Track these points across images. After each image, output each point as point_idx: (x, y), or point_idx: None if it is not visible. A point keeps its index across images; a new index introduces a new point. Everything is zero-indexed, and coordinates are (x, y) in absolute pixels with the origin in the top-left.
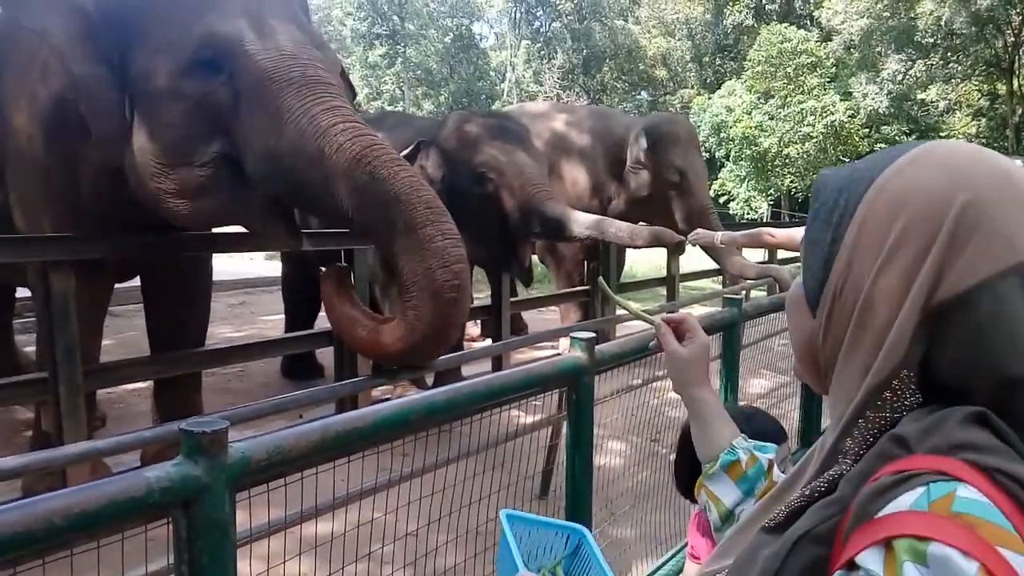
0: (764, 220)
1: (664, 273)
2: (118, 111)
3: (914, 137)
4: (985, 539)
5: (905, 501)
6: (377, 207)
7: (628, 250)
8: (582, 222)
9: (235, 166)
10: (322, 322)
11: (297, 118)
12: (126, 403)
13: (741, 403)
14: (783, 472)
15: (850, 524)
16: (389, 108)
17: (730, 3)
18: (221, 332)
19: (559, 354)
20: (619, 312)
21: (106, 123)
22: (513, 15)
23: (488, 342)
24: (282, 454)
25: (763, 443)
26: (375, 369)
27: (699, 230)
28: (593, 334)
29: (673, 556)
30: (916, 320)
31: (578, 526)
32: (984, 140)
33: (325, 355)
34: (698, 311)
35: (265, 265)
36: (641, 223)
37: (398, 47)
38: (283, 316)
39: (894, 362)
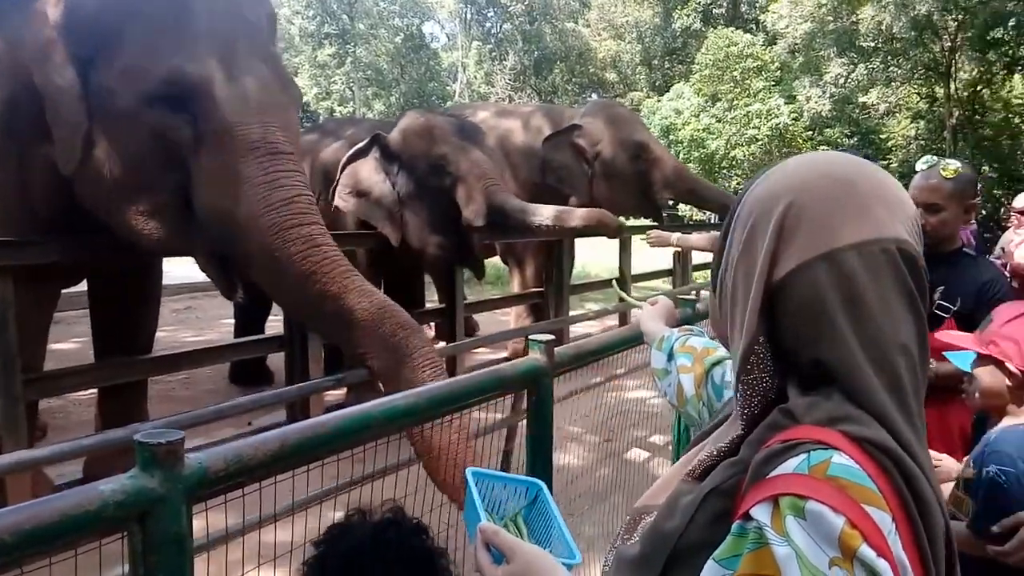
0: (713, 221)
1: (615, 273)
2: (82, 122)
3: (856, 139)
4: (853, 498)
5: (790, 465)
6: (342, 329)
7: (578, 249)
8: (541, 214)
9: (188, 201)
10: (272, 326)
11: (255, 198)
12: (66, 413)
13: None
14: None
15: (747, 482)
16: (339, 108)
17: (678, 7)
18: (167, 338)
19: (508, 358)
20: (572, 313)
21: (69, 133)
22: (464, 16)
23: (442, 344)
24: (241, 464)
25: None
26: (327, 373)
27: (655, 231)
28: (551, 336)
29: None
30: (760, 299)
31: (536, 480)
32: (923, 142)
33: (275, 360)
34: None
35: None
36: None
37: (348, 47)
38: (231, 321)
39: (751, 332)
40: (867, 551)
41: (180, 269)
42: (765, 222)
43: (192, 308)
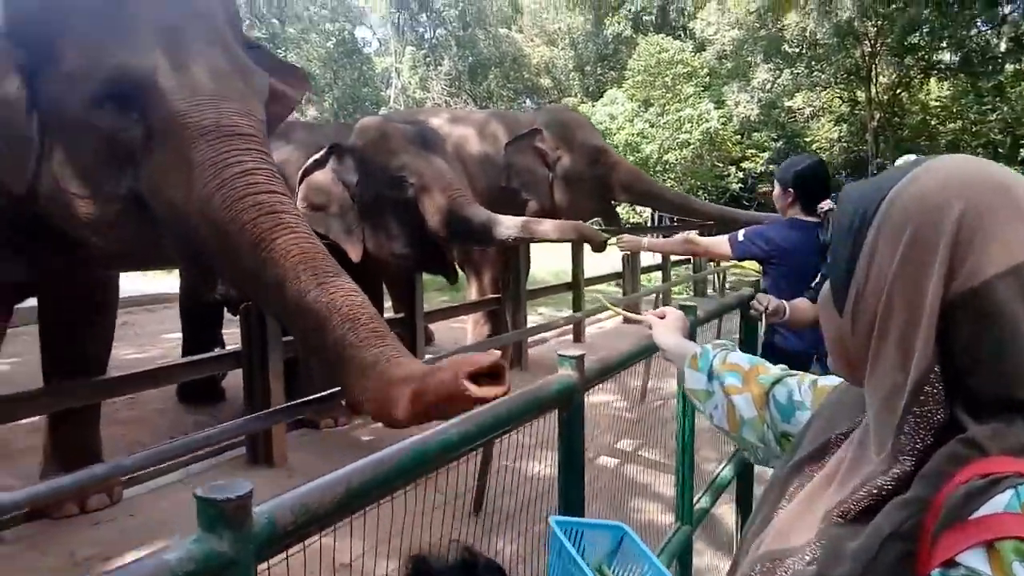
0: (647, 224)
1: (567, 278)
2: (31, 138)
3: (782, 143)
4: None
5: (998, 503)
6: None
7: (532, 256)
8: (509, 224)
9: (147, 206)
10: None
11: (208, 179)
12: (2, 439)
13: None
14: None
15: (940, 524)
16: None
17: (609, 14)
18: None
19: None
20: (530, 324)
21: (19, 149)
22: (396, 21)
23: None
24: (308, 514)
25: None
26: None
27: (625, 236)
28: (582, 352)
29: None
30: (936, 319)
31: (619, 524)
32: (845, 144)
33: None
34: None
35: (147, 281)
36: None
37: (278, 51)
38: (173, 336)
39: (927, 359)
40: None
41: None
42: (932, 233)
43: (129, 324)
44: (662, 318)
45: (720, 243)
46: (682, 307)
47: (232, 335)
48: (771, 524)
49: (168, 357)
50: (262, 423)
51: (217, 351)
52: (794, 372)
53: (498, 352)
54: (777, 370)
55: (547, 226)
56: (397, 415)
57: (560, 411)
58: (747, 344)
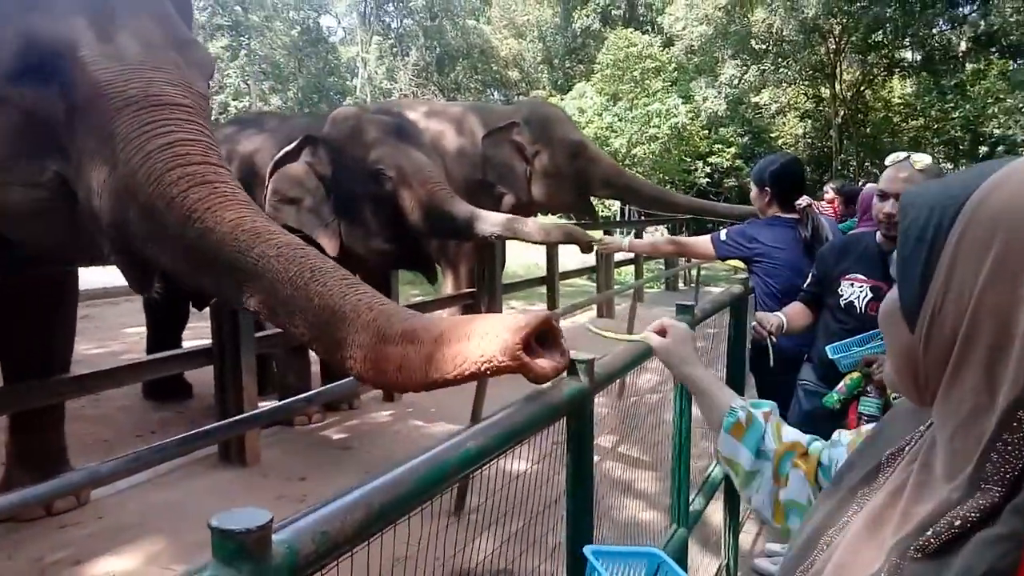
0: (616, 218)
1: (541, 272)
2: None
3: (748, 138)
4: None
5: None
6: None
7: (508, 251)
8: (493, 221)
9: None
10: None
11: (132, 152)
12: None
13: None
14: None
15: None
16: (234, 103)
17: (578, 7)
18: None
19: None
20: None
21: None
22: (363, 10)
23: None
24: (328, 540)
25: (758, 400)
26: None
27: (605, 237)
28: (593, 355)
29: None
30: None
31: (654, 550)
32: (810, 140)
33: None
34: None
35: (108, 273)
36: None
37: (242, 39)
38: (136, 330)
39: (1022, 385)
40: None
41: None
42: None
43: (89, 317)
44: (662, 334)
45: (703, 243)
46: (680, 307)
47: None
48: (826, 556)
49: (131, 352)
50: (245, 426)
51: (188, 347)
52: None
53: (546, 310)
54: (819, 441)
55: (532, 227)
56: (404, 380)
57: (568, 419)
58: (736, 343)
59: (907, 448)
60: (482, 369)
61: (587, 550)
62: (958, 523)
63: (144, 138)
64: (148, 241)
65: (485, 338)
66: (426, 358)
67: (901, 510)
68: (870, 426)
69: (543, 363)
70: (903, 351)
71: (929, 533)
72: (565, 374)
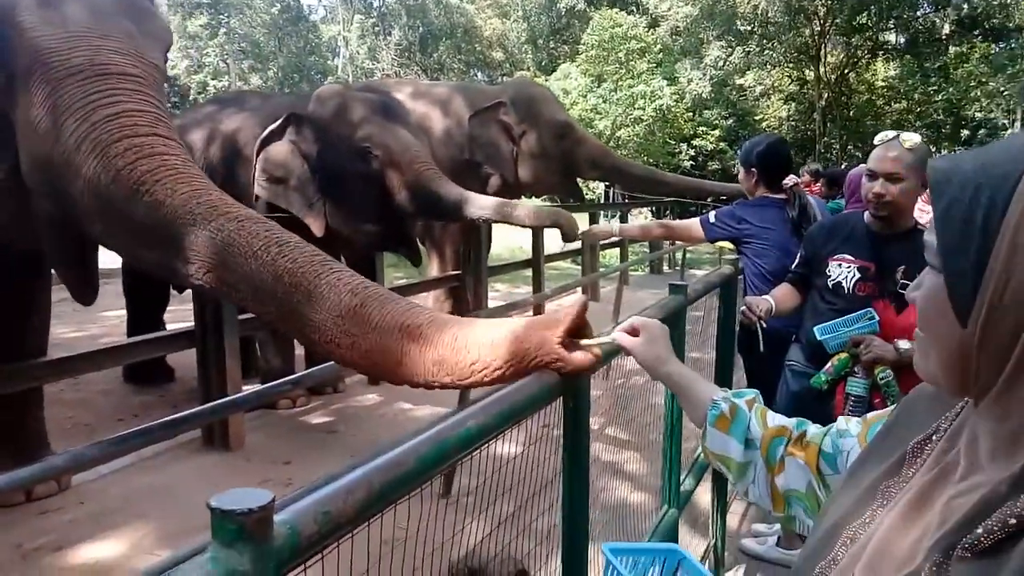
0: (600, 200)
1: (527, 255)
2: None
3: (732, 120)
4: None
5: None
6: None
7: (495, 235)
8: (482, 205)
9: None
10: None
11: (76, 123)
12: None
13: None
14: None
15: None
16: (213, 82)
17: None
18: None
19: None
20: (491, 304)
21: None
22: None
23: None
24: (331, 521)
25: (740, 390)
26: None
27: (593, 227)
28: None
29: None
30: None
31: (673, 546)
32: (795, 123)
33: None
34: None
35: None
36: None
37: (220, 17)
38: (115, 313)
39: None
40: None
41: None
42: None
43: (67, 300)
44: (634, 334)
45: (692, 226)
46: (672, 287)
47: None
48: (854, 551)
49: (110, 335)
50: (231, 410)
51: (170, 329)
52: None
53: (583, 300)
54: (815, 427)
55: (522, 212)
56: (405, 376)
57: (565, 400)
58: (726, 324)
59: (934, 437)
60: (508, 373)
61: (605, 548)
62: (1013, 521)
63: (89, 108)
64: (92, 218)
65: (514, 342)
66: (437, 361)
67: (941, 503)
68: (877, 414)
69: (579, 356)
70: (952, 345)
71: (980, 531)
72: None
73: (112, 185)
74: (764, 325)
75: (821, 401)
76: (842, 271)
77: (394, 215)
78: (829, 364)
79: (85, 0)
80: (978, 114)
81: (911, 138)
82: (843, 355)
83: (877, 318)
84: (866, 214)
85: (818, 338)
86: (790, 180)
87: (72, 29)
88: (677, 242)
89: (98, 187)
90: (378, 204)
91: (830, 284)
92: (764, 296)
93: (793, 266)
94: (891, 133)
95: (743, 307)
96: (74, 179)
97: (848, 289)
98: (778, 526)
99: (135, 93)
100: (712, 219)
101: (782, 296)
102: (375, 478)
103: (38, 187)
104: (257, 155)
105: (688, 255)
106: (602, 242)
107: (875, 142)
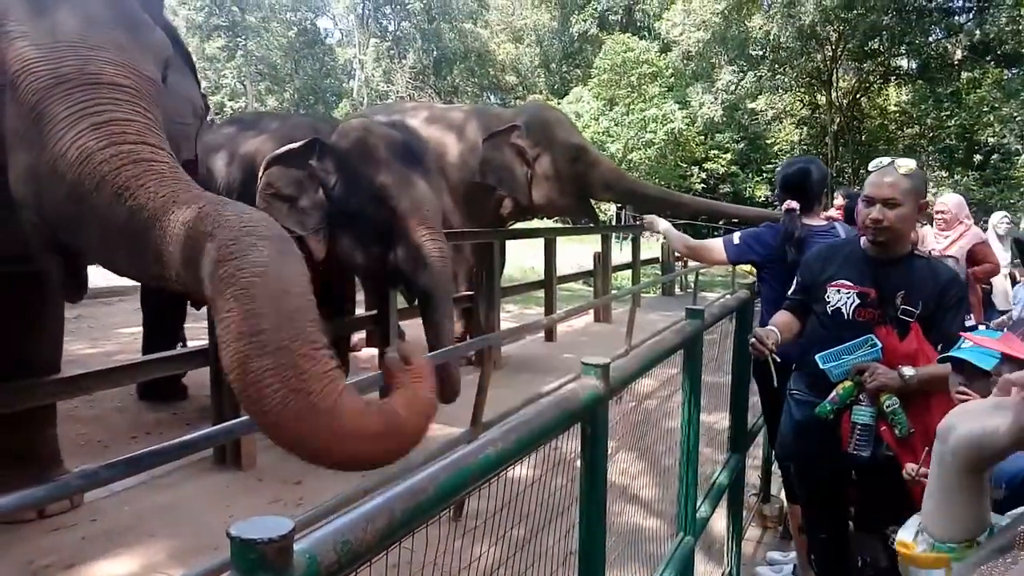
0: (611, 223)
1: (539, 276)
2: None
3: (744, 144)
4: None
5: None
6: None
7: (508, 256)
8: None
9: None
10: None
11: (62, 132)
12: None
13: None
14: None
15: None
16: (230, 103)
17: (575, 12)
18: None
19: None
20: (504, 326)
21: None
22: (360, 12)
23: (375, 352)
24: (351, 551)
25: None
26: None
27: (648, 215)
28: (608, 360)
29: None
30: None
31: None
32: (806, 147)
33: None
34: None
35: (102, 273)
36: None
37: (238, 39)
38: (130, 330)
39: None
40: None
41: None
42: None
43: (82, 317)
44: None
45: (715, 247)
46: (689, 311)
47: (192, 330)
48: None
49: (124, 352)
50: (246, 430)
51: (181, 348)
52: None
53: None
54: None
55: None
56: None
57: (583, 426)
58: (741, 350)
59: None
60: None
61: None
62: None
63: (75, 117)
64: (71, 226)
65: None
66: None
67: None
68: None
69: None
70: None
71: None
72: (582, 378)
73: (95, 191)
74: (777, 360)
75: (826, 430)
76: (841, 296)
77: (391, 261)
78: (834, 393)
79: (77, 10)
80: (991, 139)
81: (906, 163)
82: (847, 383)
83: (879, 345)
84: (862, 240)
85: (821, 366)
86: (790, 204)
87: (62, 38)
88: (690, 263)
89: (81, 193)
90: (383, 245)
91: (829, 310)
92: (769, 327)
93: (789, 292)
94: (886, 159)
95: (752, 339)
96: (57, 186)
97: (848, 315)
98: (793, 554)
99: (125, 103)
100: (736, 240)
101: (783, 325)
102: (396, 506)
103: (23, 199)
104: (266, 168)
105: (700, 277)
106: (614, 263)
107: (870, 168)
